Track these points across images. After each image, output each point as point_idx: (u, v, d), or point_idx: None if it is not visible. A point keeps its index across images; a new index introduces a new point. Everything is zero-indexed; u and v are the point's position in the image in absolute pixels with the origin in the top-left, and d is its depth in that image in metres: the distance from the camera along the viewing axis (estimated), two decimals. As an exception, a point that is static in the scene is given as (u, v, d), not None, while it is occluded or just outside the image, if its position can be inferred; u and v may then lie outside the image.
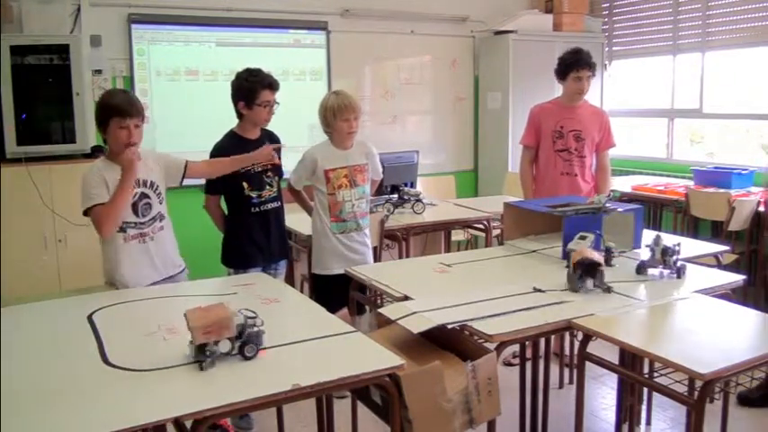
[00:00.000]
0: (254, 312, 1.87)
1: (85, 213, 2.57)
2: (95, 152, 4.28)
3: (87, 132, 4.24)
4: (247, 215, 3.13)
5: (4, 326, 2.04)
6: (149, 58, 4.90)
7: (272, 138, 3.25)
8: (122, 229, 2.59)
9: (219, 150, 3.09)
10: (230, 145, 3.09)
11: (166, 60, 4.95)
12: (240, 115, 3.13)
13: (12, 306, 2.31)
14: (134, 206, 2.60)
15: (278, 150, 3.16)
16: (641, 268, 2.55)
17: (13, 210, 3.95)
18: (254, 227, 3.14)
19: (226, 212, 3.21)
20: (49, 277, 4.10)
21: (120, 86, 4.80)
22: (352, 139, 3.28)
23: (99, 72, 4.68)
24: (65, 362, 1.84)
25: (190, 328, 1.76)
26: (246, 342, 1.80)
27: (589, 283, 2.36)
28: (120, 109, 2.52)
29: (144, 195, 2.63)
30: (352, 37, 5.60)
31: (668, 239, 2.63)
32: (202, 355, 1.75)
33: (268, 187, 3.17)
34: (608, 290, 2.34)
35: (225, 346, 1.77)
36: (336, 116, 3.18)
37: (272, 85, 3.09)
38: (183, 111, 4.97)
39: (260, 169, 3.12)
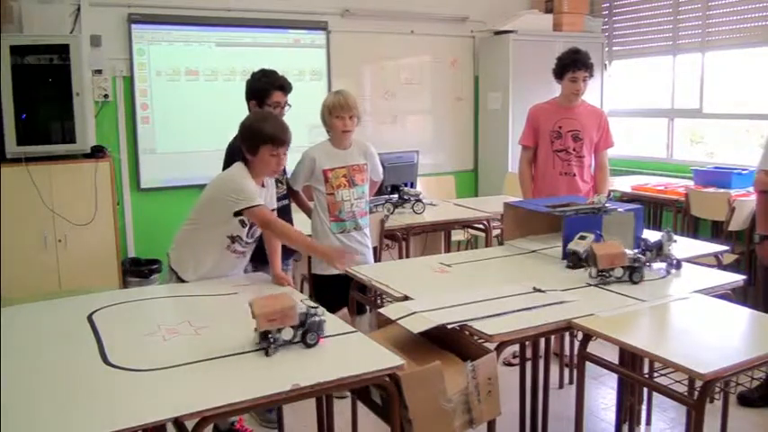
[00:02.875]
0: (315, 303, 1.98)
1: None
2: (95, 152, 4.29)
3: (87, 132, 4.24)
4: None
5: (4, 326, 2.05)
6: (149, 58, 4.89)
7: None
8: (233, 240, 2.64)
9: (232, 149, 3.07)
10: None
11: (166, 60, 4.94)
12: None
13: (12, 306, 2.31)
14: (251, 226, 2.65)
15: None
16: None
17: (13, 210, 3.95)
18: None
19: None
20: (49, 277, 4.10)
21: (119, 87, 4.81)
22: (349, 138, 3.28)
23: (99, 72, 4.68)
24: (65, 362, 1.84)
25: (255, 316, 1.84)
26: (309, 330, 1.90)
27: (618, 271, 2.44)
28: (275, 138, 2.55)
29: None
30: (352, 37, 5.60)
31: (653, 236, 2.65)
32: (266, 342, 1.84)
33: (279, 185, 3.17)
34: (637, 282, 2.43)
35: (287, 334, 1.88)
36: (331, 113, 3.20)
37: (283, 86, 3.13)
38: (183, 111, 4.97)
39: None
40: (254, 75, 3.18)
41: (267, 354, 1.83)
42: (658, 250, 2.60)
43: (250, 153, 2.59)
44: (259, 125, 2.59)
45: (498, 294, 2.30)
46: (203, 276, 2.66)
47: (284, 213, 3.24)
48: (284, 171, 3.25)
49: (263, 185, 2.67)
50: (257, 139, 2.55)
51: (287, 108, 3.18)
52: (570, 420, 2.25)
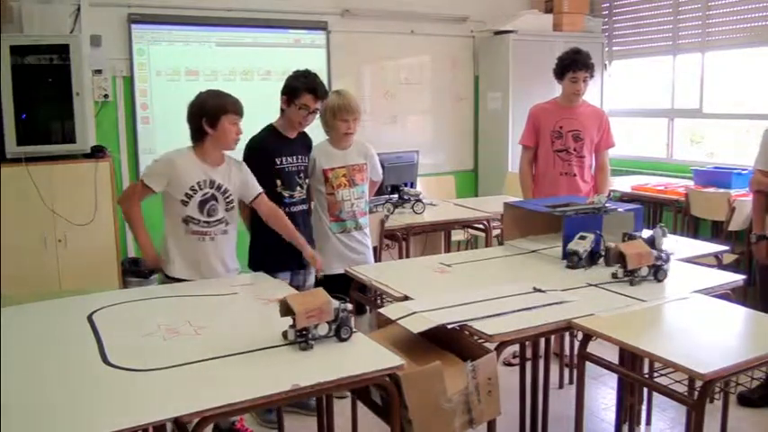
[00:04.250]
0: (344, 297, 2.03)
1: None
2: (95, 152, 4.29)
3: (87, 132, 4.24)
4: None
5: (4, 326, 2.05)
6: (149, 58, 4.90)
7: (306, 141, 3.28)
8: (185, 222, 2.69)
9: (260, 144, 3.08)
10: (270, 139, 3.12)
11: (166, 60, 4.94)
12: (281, 111, 3.15)
13: (12, 306, 2.31)
14: (201, 204, 2.69)
15: (309, 148, 3.25)
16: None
17: (13, 210, 3.95)
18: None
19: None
20: (49, 277, 4.10)
21: (119, 87, 4.82)
22: (350, 139, 3.28)
23: (99, 72, 4.67)
24: (65, 362, 1.84)
25: (295, 312, 1.87)
26: (342, 325, 1.95)
27: (644, 270, 2.45)
28: (235, 107, 2.71)
29: (213, 197, 2.72)
30: (352, 37, 5.60)
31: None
32: (303, 338, 1.89)
33: (299, 188, 3.16)
34: (661, 280, 2.47)
35: (323, 329, 1.92)
36: (336, 116, 3.19)
37: (316, 90, 3.05)
38: (183, 111, 4.92)
39: (294, 169, 3.14)
40: (295, 72, 3.14)
41: (302, 349, 1.88)
42: (651, 245, 2.60)
43: (210, 126, 2.68)
44: (216, 99, 2.72)
45: (498, 294, 2.30)
46: (181, 267, 2.70)
47: (304, 219, 3.20)
48: (306, 175, 3.21)
49: (222, 164, 2.76)
50: (218, 110, 2.67)
51: (314, 115, 3.11)
52: (570, 420, 2.25)
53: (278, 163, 3.08)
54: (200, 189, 2.69)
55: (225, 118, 2.68)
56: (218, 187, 2.73)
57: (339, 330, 1.94)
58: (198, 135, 2.73)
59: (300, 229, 3.10)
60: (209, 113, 2.68)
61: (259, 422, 3.15)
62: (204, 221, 2.71)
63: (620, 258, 2.47)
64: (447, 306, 2.17)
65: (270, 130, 3.16)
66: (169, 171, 2.68)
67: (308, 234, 3.23)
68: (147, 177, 2.71)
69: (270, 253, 3.07)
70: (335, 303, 1.95)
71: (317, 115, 3.16)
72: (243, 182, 2.83)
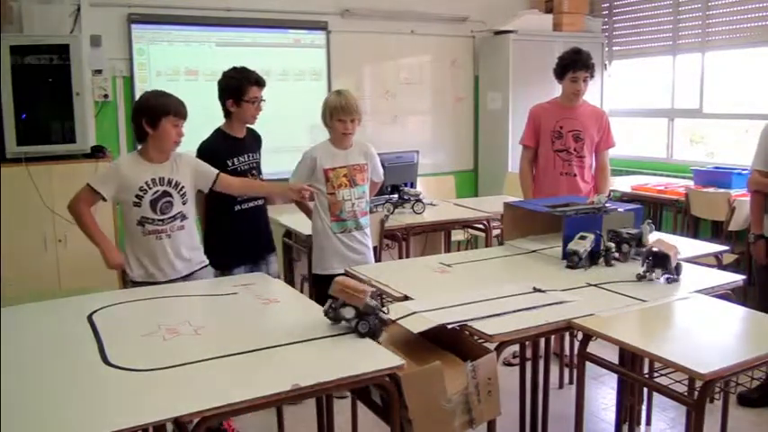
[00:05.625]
0: (385, 309, 2.08)
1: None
2: (95, 152, 4.29)
3: (87, 132, 4.24)
4: (231, 214, 3.15)
5: (4, 326, 2.05)
6: (149, 58, 4.89)
7: (255, 136, 3.33)
8: (141, 224, 2.69)
9: (211, 149, 3.11)
10: (222, 144, 3.16)
11: (166, 60, 4.94)
12: (228, 114, 3.19)
13: (12, 306, 2.31)
14: (153, 203, 2.68)
15: (258, 144, 3.31)
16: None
17: (13, 210, 3.95)
18: (238, 226, 3.18)
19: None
20: (49, 277, 4.10)
21: (119, 87, 4.82)
22: (350, 140, 3.28)
23: (99, 72, 4.67)
24: (65, 362, 1.84)
25: (359, 291, 1.96)
26: (364, 318, 1.98)
27: (658, 272, 2.44)
28: (177, 109, 2.71)
29: (166, 194, 2.71)
30: (352, 37, 5.60)
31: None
32: (332, 310, 1.99)
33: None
34: (675, 280, 2.44)
35: (349, 313, 1.98)
36: (333, 116, 3.20)
37: (258, 81, 3.14)
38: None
39: (246, 167, 3.19)
40: (225, 73, 3.18)
41: (331, 319, 2.00)
42: (638, 242, 2.59)
43: (151, 127, 2.67)
44: (159, 100, 2.73)
45: (498, 294, 2.30)
46: (141, 270, 2.71)
47: (261, 214, 3.28)
48: (260, 171, 3.28)
49: (167, 160, 2.75)
50: (159, 111, 2.67)
51: (263, 103, 3.19)
52: (570, 420, 2.25)
53: (230, 165, 3.11)
54: (150, 188, 2.68)
55: (165, 119, 2.67)
56: (169, 182, 2.72)
57: (359, 323, 1.95)
58: (140, 135, 2.73)
59: (260, 223, 3.25)
60: (149, 114, 2.68)
61: None
62: (159, 220, 2.70)
63: (662, 259, 2.45)
64: (447, 306, 2.17)
65: (218, 132, 3.21)
66: (115, 175, 2.69)
67: (267, 231, 3.34)
68: (93, 181, 2.69)
69: (226, 252, 3.14)
70: (373, 302, 1.98)
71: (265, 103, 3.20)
72: (194, 170, 2.82)
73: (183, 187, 2.75)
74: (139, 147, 2.77)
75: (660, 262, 2.45)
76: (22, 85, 4.02)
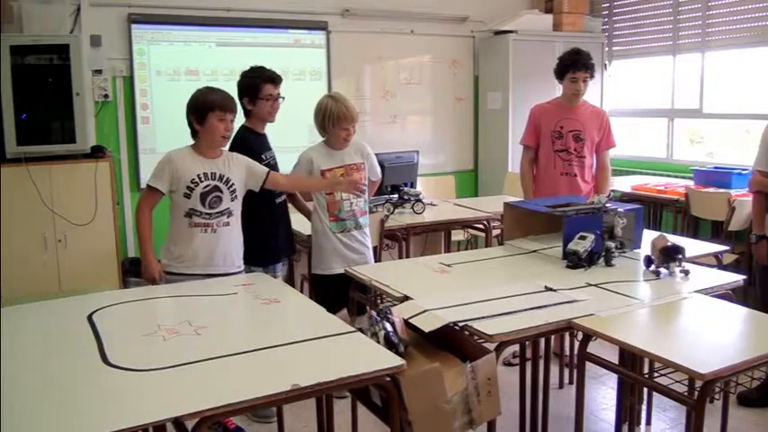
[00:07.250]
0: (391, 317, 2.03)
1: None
2: (95, 152, 4.29)
3: (87, 132, 4.24)
4: (273, 206, 3.21)
5: (4, 326, 2.05)
6: (149, 58, 4.89)
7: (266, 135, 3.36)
8: (189, 215, 2.74)
9: (245, 145, 3.11)
10: (253, 139, 3.20)
11: (166, 60, 4.94)
12: (247, 112, 3.22)
13: (12, 306, 2.31)
14: (203, 197, 2.74)
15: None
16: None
17: (13, 210, 3.95)
18: (277, 219, 3.25)
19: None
20: (49, 277, 4.10)
21: (119, 87, 4.82)
22: (349, 142, 3.29)
23: (99, 72, 4.68)
24: (65, 362, 1.84)
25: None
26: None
27: (673, 266, 2.48)
28: (222, 104, 2.74)
29: (216, 188, 2.76)
30: (352, 37, 5.60)
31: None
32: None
33: None
34: (686, 272, 2.49)
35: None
36: (335, 125, 3.19)
37: (273, 78, 3.19)
38: (183, 111, 4.94)
39: (273, 162, 3.24)
40: (243, 73, 3.25)
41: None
42: (610, 234, 2.59)
43: (199, 123, 2.75)
44: (205, 96, 2.78)
45: (504, 294, 2.30)
46: (186, 262, 2.74)
47: (280, 209, 3.30)
48: (277, 168, 3.28)
49: (221, 156, 2.82)
50: (205, 107, 2.73)
51: (281, 100, 3.22)
52: (570, 420, 2.25)
53: (264, 159, 3.14)
54: (201, 181, 2.74)
55: (211, 114, 2.72)
56: (221, 178, 2.78)
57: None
58: (192, 131, 2.80)
59: (283, 219, 3.29)
60: (196, 110, 2.75)
61: (250, 418, 3.13)
62: (206, 213, 2.75)
63: (675, 252, 2.49)
64: (447, 306, 2.17)
65: (246, 130, 3.22)
66: (167, 166, 2.74)
67: (287, 224, 3.37)
68: (150, 180, 2.76)
69: (271, 243, 3.21)
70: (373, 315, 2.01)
71: (283, 100, 3.24)
72: (247, 168, 2.87)
73: (233, 183, 2.80)
74: (193, 143, 2.83)
75: (672, 256, 2.48)
76: (22, 85, 4.02)
